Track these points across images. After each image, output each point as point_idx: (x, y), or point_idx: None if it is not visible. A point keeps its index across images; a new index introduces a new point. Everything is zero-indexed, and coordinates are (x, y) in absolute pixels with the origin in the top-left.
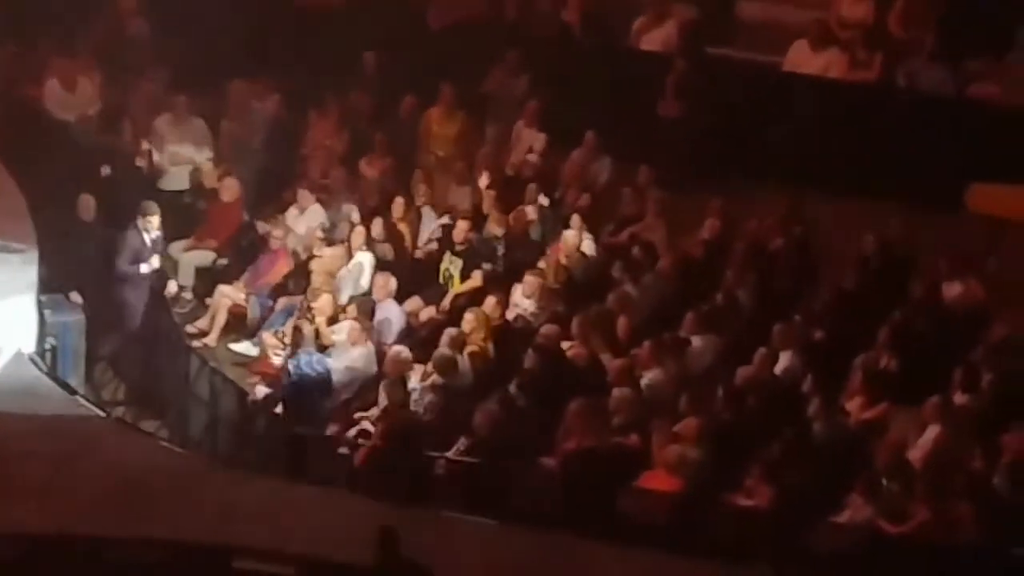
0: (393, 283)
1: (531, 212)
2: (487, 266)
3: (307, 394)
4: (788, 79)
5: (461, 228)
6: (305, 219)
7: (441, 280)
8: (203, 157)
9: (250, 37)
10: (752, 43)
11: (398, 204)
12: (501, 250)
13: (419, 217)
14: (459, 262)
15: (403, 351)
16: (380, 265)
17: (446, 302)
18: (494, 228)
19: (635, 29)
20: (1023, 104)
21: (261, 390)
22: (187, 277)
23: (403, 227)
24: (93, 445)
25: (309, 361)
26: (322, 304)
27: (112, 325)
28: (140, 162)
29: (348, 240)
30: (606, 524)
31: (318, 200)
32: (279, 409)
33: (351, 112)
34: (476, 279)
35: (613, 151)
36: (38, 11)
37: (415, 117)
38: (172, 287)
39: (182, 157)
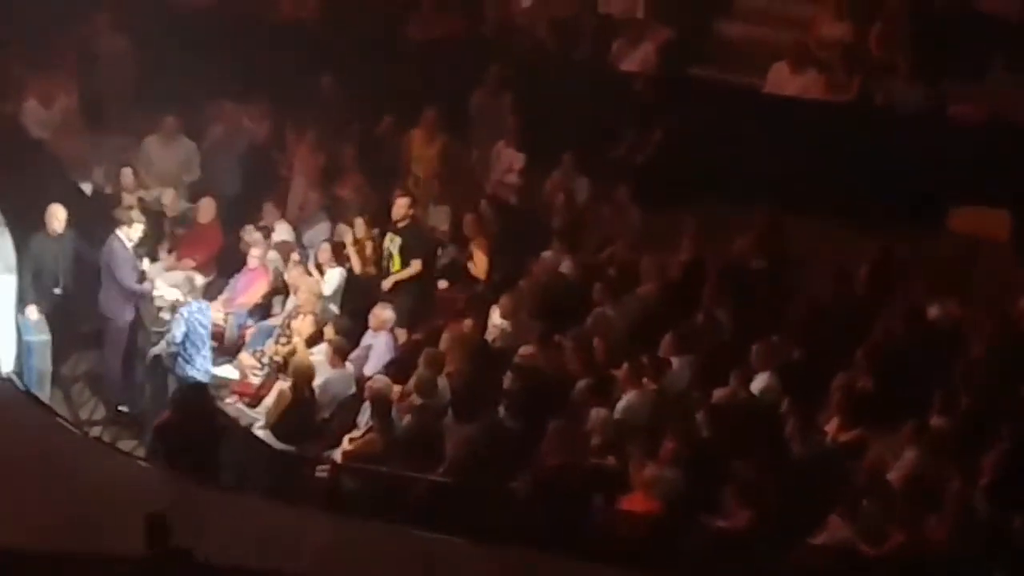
0: (389, 314)
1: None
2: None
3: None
4: (768, 100)
5: (400, 205)
6: (274, 235)
7: (384, 262)
8: (191, 177)
9: (223, 55)
10: (732, 64)
11: (359, 224)
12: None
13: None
14: (398, 240)
15: (376, 380)
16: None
17: (387, 283)
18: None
19: (614, 49)
20: (1001, 125)
21: (239, 408)
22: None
23: (368, 245)
24: (69, 463)
25: (202, 308)
26: (301, 325)
27: (90, 343)
28: (124, 179)
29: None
30: (584, 545)
31: (287, 218)
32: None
33: (327, 132)
34: (415, 266)
35: (591, 172)
36: (12, 29)
37: (395, 137)
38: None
39: (168, 177)
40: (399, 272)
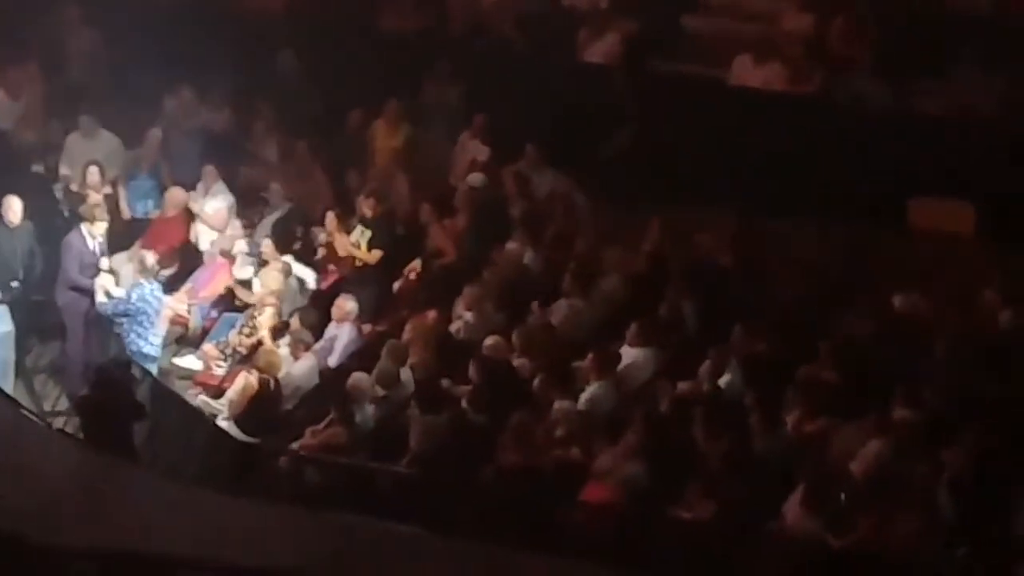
0: (351, 305)
1: (462, 222)
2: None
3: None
4: (732, 93)
5: (366, 206)
6: (213, 200)
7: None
8: (113, 172)
9: (187, 45)
10: (696, 56)
11: (331, 218)
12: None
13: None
14: (368, 232)
15: (362, 379)
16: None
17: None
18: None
19: (579, 41)
20: (965, 118)
21: (203, 400)
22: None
23: (339, 238)
24: (32, 455)
25: (152, 290)
26: (265, 318)
27: (52, 334)
28: (91, 178)
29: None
30: (547, 537)
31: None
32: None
33: (290, 122)
34: (375, 255)
35: (555, 164)
36: None
37: (358, 128)
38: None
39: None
40: (363, 255)
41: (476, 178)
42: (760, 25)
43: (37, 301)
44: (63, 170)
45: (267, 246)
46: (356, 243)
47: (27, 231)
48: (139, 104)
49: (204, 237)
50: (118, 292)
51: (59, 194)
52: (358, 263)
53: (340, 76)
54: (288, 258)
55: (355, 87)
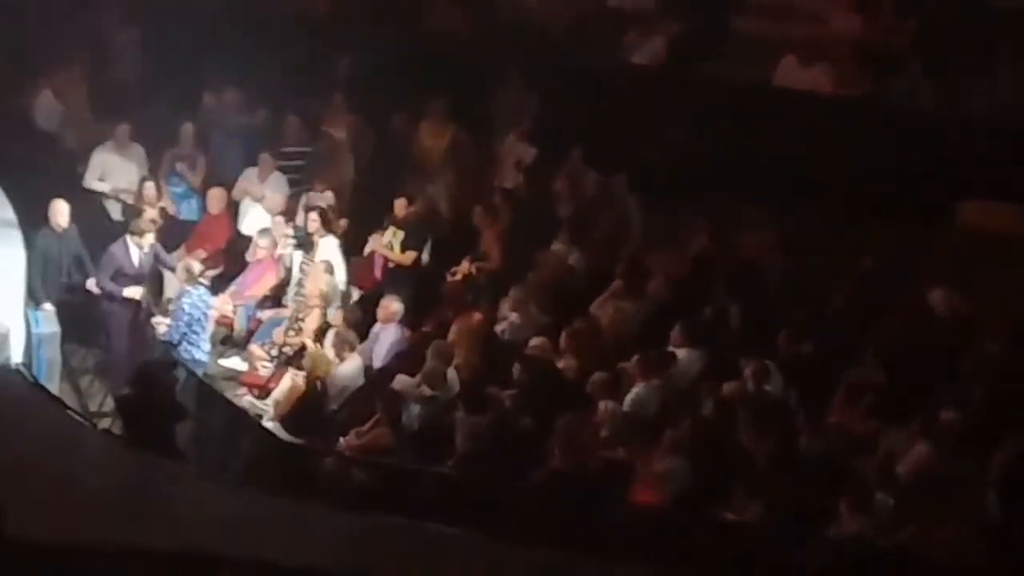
0: (397, 306)
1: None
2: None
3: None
4: (778, 94)
5: (400, 205)
6: (268, 187)
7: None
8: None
9: (234, 46)
10: (742, 58)
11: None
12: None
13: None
14: (401, 234)
15: (402, 379)
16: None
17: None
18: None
19: (626, 43)
20: (1011, 120)
21: (249, 401)
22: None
23: (376, 240)
24: (78, 455)
25: (200, 294)
26: (311, 320)
27: (96, 337)
28: (147, 192)
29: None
30: (593, 538)
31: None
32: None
33: (336, 122)
34: (408, 257)
35: (601, 166)
36: (32, 22)
37: (404, 129)
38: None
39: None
40: (397, 256)
41: (514, 180)
42: (807, 26)
43: (84, 303)
44: (89, 180)
45: (313, 220)
46: (388, 244)
47: (74, 235)
48: (182, 104)
49: (254, 222)
50: (171, 304)
51: (107, 206)
52: (391, 264)
53: (385, 77)
54: (332, 240)
55: (400, 87)
